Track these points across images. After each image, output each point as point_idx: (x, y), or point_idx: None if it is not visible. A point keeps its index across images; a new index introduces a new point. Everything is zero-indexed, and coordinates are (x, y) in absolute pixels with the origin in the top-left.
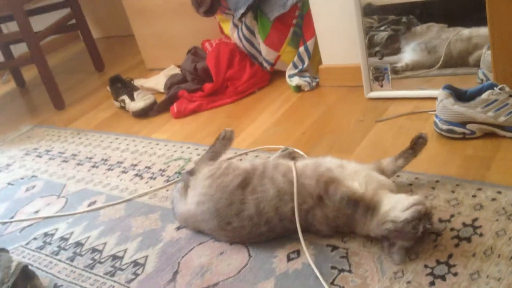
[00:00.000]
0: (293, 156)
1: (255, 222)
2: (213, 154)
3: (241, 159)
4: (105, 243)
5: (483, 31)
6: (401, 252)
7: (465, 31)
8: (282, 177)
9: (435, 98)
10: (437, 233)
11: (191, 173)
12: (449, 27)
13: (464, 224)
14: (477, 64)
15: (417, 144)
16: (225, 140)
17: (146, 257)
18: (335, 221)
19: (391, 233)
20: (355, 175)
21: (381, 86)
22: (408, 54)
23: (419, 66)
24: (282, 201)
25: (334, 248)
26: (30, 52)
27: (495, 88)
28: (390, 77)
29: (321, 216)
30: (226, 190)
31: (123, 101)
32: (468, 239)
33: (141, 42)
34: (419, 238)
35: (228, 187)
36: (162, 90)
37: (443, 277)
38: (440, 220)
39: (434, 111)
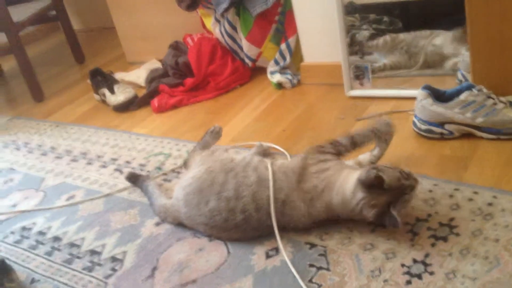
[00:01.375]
0: (268, 153)
1: (232, 206)
2: (205, 144)
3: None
4: (83, 238)
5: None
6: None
7: (438, 40)
8: (264, 167)
9: (414, 98)
10: (414, 233)
11: (184, 166)
12: (427, 29)
13: (441, 224)
14: (453, 69)
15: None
16: (214, 134)
17: (125, 252)
18: (315, 205)
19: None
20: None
21: (362, 84)
22: (384, 57)
23: (397, 67)
24: (261, 187)
25: (313, 246)
26: (9, 42)
27: (473, 89)
28: (370, 76)
29: (299, 204)
30: (211, 173)
31: (103, 94)
32: (445, 239)
33: (122, 35)
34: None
35: (214, 171)
36: (143, 84)
37: (419, 276)
38: (418, 219)
39: (413, 110)
